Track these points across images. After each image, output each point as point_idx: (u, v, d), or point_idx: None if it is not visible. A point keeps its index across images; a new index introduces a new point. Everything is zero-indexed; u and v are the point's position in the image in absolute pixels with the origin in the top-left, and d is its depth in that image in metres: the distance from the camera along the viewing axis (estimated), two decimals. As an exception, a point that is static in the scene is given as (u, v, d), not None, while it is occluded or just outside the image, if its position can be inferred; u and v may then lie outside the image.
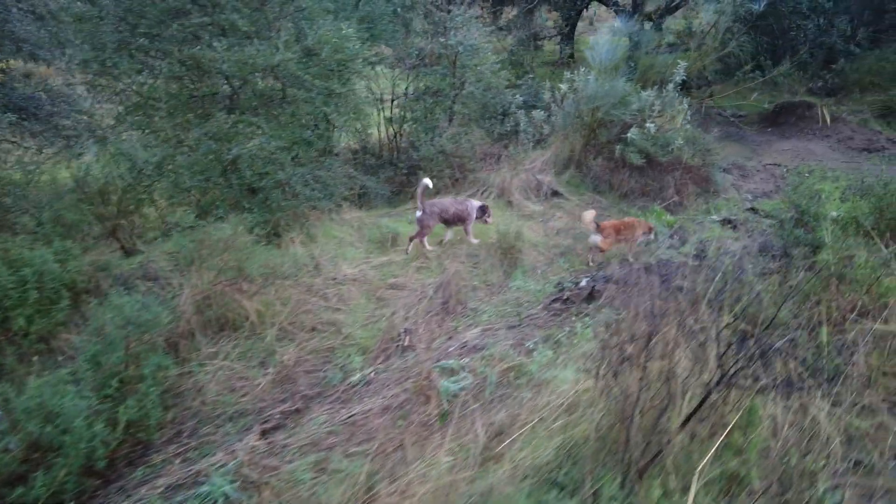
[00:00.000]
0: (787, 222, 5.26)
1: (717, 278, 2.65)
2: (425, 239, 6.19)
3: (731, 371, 2.03)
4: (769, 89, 15.01)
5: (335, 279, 5.56)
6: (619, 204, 7.42)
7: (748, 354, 2.10)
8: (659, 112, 7.48)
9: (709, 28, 10.18)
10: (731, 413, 2.05)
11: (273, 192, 5.77)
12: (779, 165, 9.50)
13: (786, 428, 2.22)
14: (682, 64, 7.41)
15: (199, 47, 5.63)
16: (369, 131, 9.43)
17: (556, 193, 7.36)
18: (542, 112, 8.33)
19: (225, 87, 6.08)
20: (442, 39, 8.12)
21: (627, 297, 4.15)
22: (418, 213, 6.09)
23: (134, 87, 5.48)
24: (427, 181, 6.06)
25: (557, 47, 16.86)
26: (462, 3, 8.24)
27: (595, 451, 2.45)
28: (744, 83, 15.90)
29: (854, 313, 3.10)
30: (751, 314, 3.49)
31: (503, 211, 7.02)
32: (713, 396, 2.03)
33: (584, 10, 15.93)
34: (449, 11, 8.25)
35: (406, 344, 4.86)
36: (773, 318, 2.47)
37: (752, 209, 7.63)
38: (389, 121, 9.22)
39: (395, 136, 8.94)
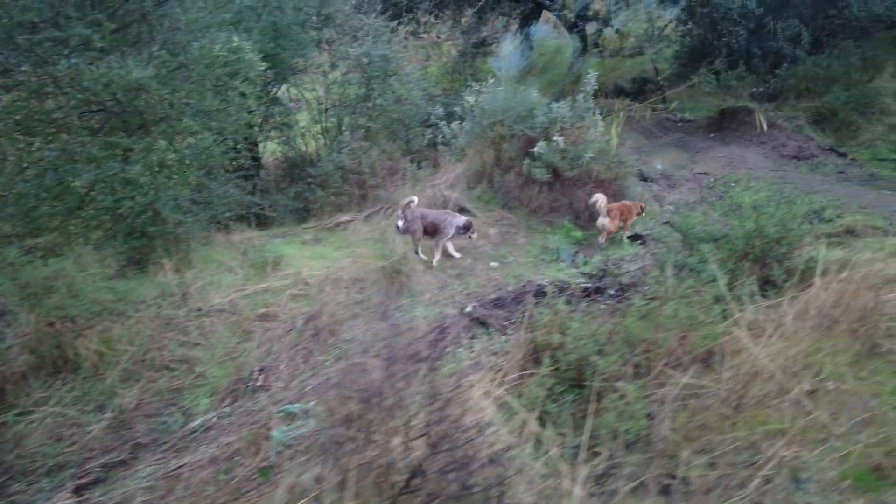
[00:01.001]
0: (671, 245, 5.01)
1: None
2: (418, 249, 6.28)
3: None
4: (724, 93, 14.88)
5: (200, 310, 5.22)
6: (528, 220, 7.16)
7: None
8: (572, 124, 7.22)
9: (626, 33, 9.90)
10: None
11: (139, 219, 5.43)
12: (708, 174, 9.30)
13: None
14: (593, 73, 7.14)
15: (58, 63, 5.28)
16: (301, 141, 9.13)
17: (462, 210, 7.07)
18: (461, 123, 8.05)
19: (109, 103, 5.74)
20: (351, 49, 7.81)
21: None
22: (400, 223, 6.12)
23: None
24: (413, 198, 6.10)
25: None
26: (373, 12, 7.93)
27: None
28: (699, 87, 15.75)
29: (669, 363, 2.83)
30: (574, 364, 3.22)
31: (403, 230, 6.71)
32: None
33: (534, 15, 15.56)
34: (361, 20, 7.94)
35: (259, 384, 4.54)
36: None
37: (669, 223, 7.39)
38: (324, 131, 8.93)
39: (330, 146, 8.57)
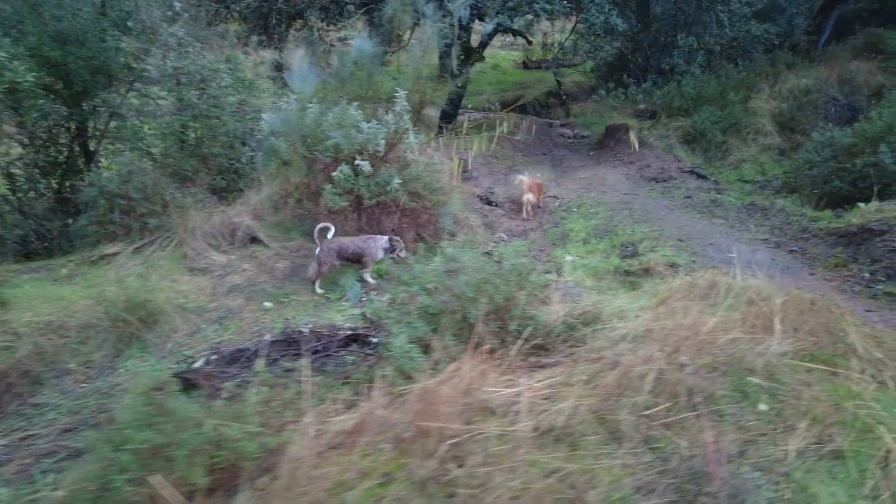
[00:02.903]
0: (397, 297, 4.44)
1: None
2: (317, 283, 5.93)
3: None
4: (630, 108, 14.67)
5: None
6: (332, 251, 6.52)
7: None
8: (388, 146, 6.65)
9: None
10: None
11: None
12: (557, 198, 8.86)
13: None
14: (402, 92, 6.57)
15: None
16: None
17: (254, 240, 6.42)
18: (280, 142, 7.37)
19: None
20: (152, 61, 7.07)
21: None
22: (317, 251, 5.88)
23: None
24: (328, 225, 5.88)
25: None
26: (174, 20, 7.20)
27: None
28: (606, 102, 15.50)
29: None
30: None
31: (174, 264, 6.00)
32: None
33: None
34: (163, 29, 7.20)
35: None
36: None
37: (488, 253, 6.89)
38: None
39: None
